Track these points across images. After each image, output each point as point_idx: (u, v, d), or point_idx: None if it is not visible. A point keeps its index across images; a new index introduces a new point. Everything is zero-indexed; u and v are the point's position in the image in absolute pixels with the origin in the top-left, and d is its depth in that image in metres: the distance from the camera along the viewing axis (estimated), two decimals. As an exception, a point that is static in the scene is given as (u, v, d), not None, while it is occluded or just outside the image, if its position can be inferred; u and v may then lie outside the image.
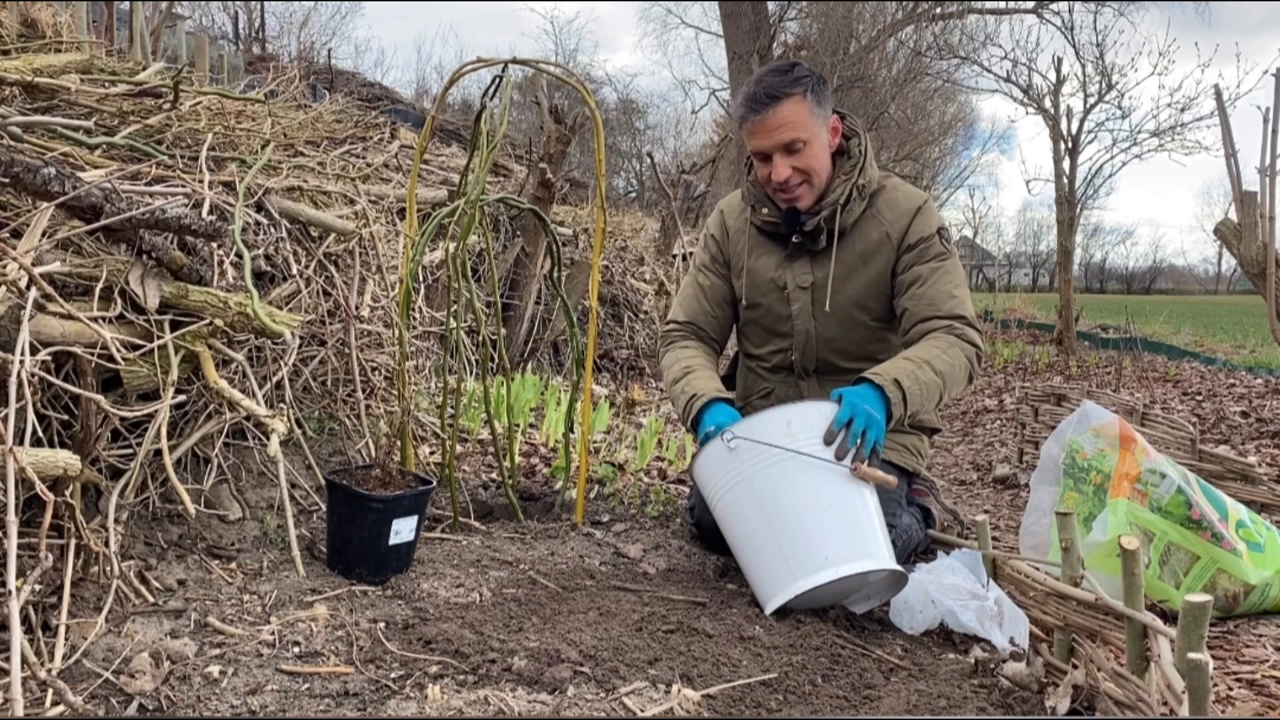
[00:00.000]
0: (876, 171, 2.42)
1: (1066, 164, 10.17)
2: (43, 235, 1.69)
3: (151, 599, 1.69)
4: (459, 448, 3.00)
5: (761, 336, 2.56)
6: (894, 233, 2.36)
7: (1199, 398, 5.97)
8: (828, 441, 1.97)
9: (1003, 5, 14.48)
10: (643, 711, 1.43)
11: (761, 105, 2.28)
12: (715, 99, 21.99)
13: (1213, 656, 1.82)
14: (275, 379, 2.14)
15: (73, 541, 1.57)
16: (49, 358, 1.56)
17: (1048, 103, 10.75)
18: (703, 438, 2.17)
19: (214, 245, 2.02)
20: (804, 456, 1.95)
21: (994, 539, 2.14)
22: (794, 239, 2.41)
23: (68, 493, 1.53)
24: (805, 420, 2.00)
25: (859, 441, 1.97)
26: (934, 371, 2.14)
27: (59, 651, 1.44)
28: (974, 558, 2.00)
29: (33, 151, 1.95)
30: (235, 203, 2.09)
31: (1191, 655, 1.16)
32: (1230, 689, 1.77)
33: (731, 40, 14.19)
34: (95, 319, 1.66)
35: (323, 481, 2.09)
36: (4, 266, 1.54)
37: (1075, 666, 1.61)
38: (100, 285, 1.73)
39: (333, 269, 2.51)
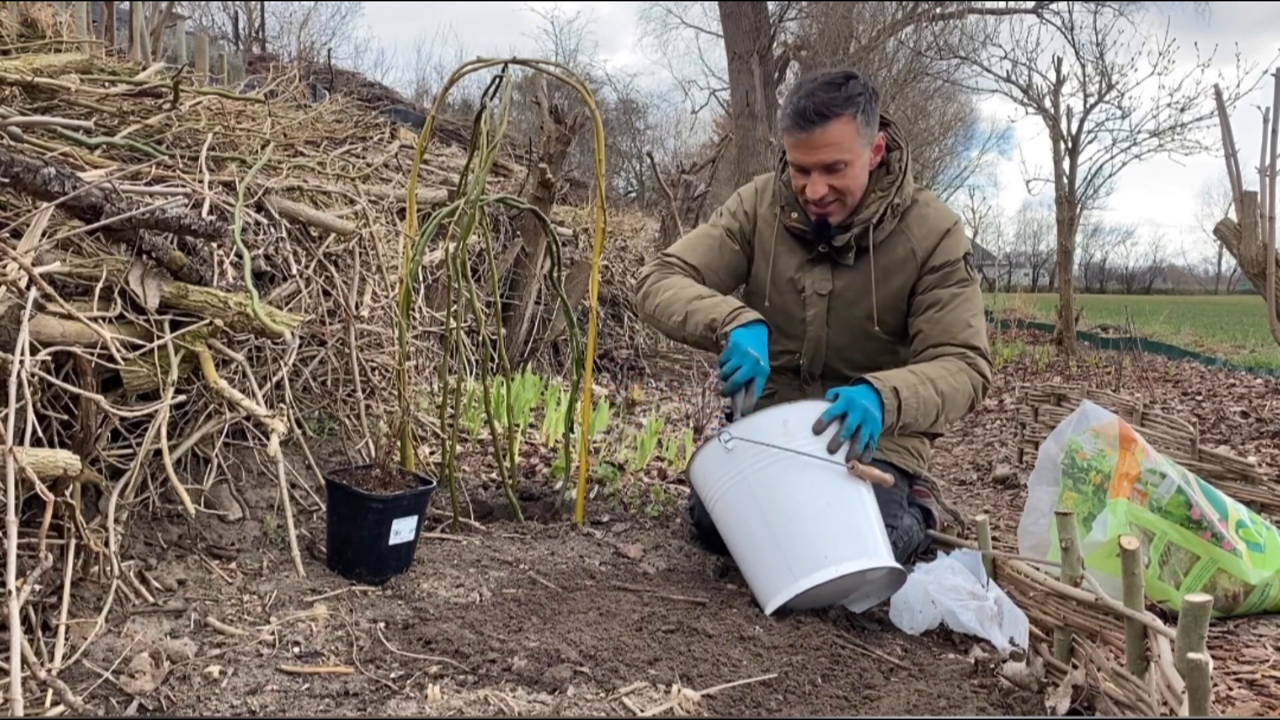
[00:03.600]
0: (912, 187, 2.37)
1: (1066, 164, 10.18)
2: (43, 235, 1.69)
3: (151, 599, 1.69)
4: (459, 448, 3.00)
5: (772, 336, 2.55)
6: (920, 251, 2.32)
7: (1199, 398, 5.97)
8: (818, 432, 1.97)
9: (1003, 5, 14.47)
10: (643, 711, 1.43)
11: (810, 123, 2.18)
12: (715, 99, 22.03)
13: (1213, 656, 1.82)
14: (275, 379, 2.14)
15: (73, 541, 1.57)
16: (49, 358, 1.55)
17: (1048, 103, 10.75)
18: (735, 359, 2.03)
19: (214, 245, 2.02)
20: (801, 456, 1.95)
21: (994, 539, 2.14)
22: (820, 248, 2.38)
23: (68, 493, 1.53)
24: (802, 420, 2.00)
25: (853, 437, 1.97)
26: (936, 390, 2.13)
27: (59, 651, 1.44)
28: (974, 558, 2.00)
29: (33, 151, 1.95)
30: (235, 203, 2.09)
31: (1191, 655, 1.16)
32: (1230, 689, 1.77)
33: (731, 40, 14.16)
34: (95, 319, 1.66)
35: (323, 481, 2.09)
36: (4, 266, 1.54)
37: (1075, 666, 1.61)
38: (100, 285, 1.73)
39: (333, 269, 2.51)
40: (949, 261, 2.31)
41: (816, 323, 2.43)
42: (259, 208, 2.33)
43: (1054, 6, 13.07)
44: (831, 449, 1.96)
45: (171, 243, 1.90)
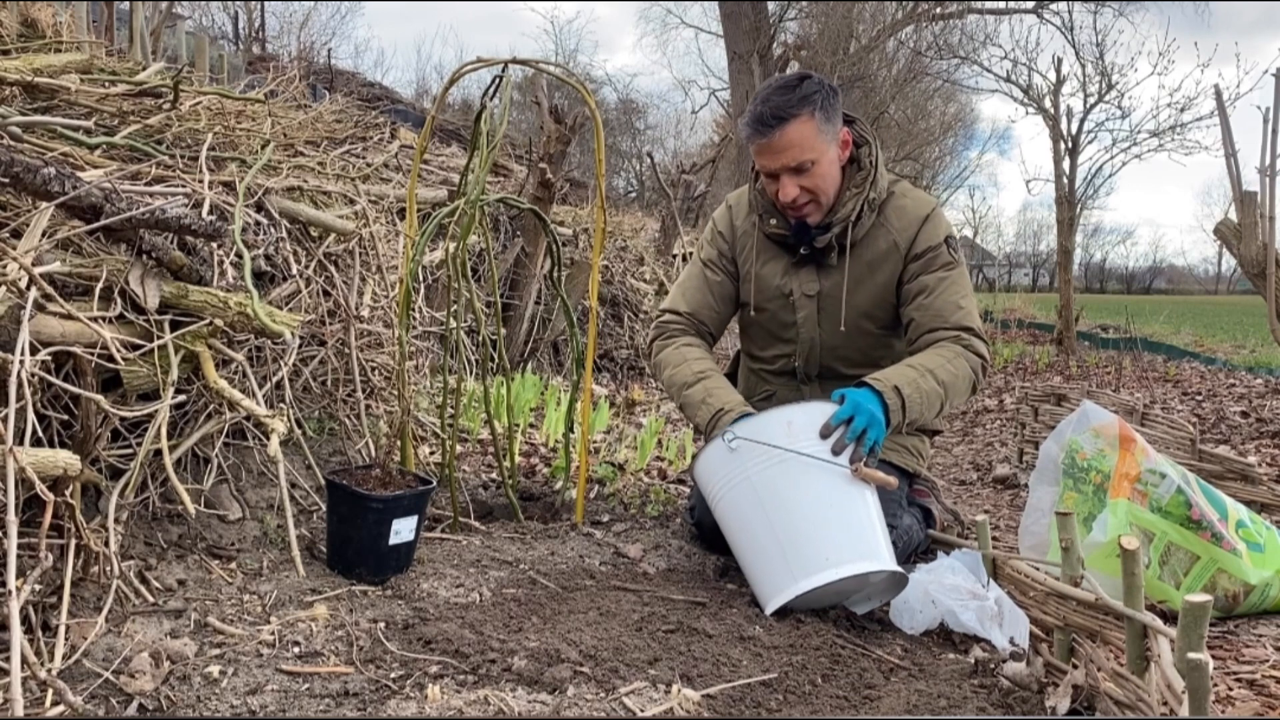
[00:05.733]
0: (886, 180, 2.38)
1: (1066, 164, 10.19)
2: (43, 235, 1.69)
3: (151, 599, 1.69)
4: (459, 448, 3.00)
5: (765, 340, 2.54)
6: (902, 241, 2.33)
7: (1199, 398, 5.98)
8: (824, 436, 1.97)
9: (1003, 5, 14.48)
10: (643, 711, 1.43)
11: (767, 127, 2.20)
12: (715, 99, 22.00)
13: (1213, 656, 1.82)
14: (275, 379, 2.14)
15: (73, 541, 1.57)
16: (49, 358, 1.55)
17: (1048, 103, 10.77)
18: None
19: (214, 245, 2.02)
20: (805, 457, 1.95)
21: (994, 539, 2.14)
22: (802, 250, 2.38)
23: (68, 493, 1.53)
24: (807, 420, 2.00)
25: (858, 440, 1.97)
26: (936, 381, 2.13)
27: (59, 651, 1.44)
28: (974, 558, 2.00)
29: (33, 151, 1.95)
30: (235, 203, 2.09)
31: (1191, 655, 1.16)
32: (1230, 689, 1.77)
33: (731, 40, 14.18)
34: (95, 319, 1.66)
35: (323, 481, 2.09)
36: (4, 266, 1.54)
37: (1075, 666, 1.61)
38: (100, 285, 1.73)
39: (333, 269, 2.51)
40: (931, 247, 2.31)
41: (808, 324, 2.43)
42: (259, 208, 2.33)
43: (1054, 6, 13.09)
44: (836, 451, 1.96)
45: (171, 243, 1.90)
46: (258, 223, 2.29)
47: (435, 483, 2.09)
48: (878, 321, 2.40)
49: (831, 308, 2.40)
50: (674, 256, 8.35)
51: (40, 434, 1.59)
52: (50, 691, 1.31)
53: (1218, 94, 5.26)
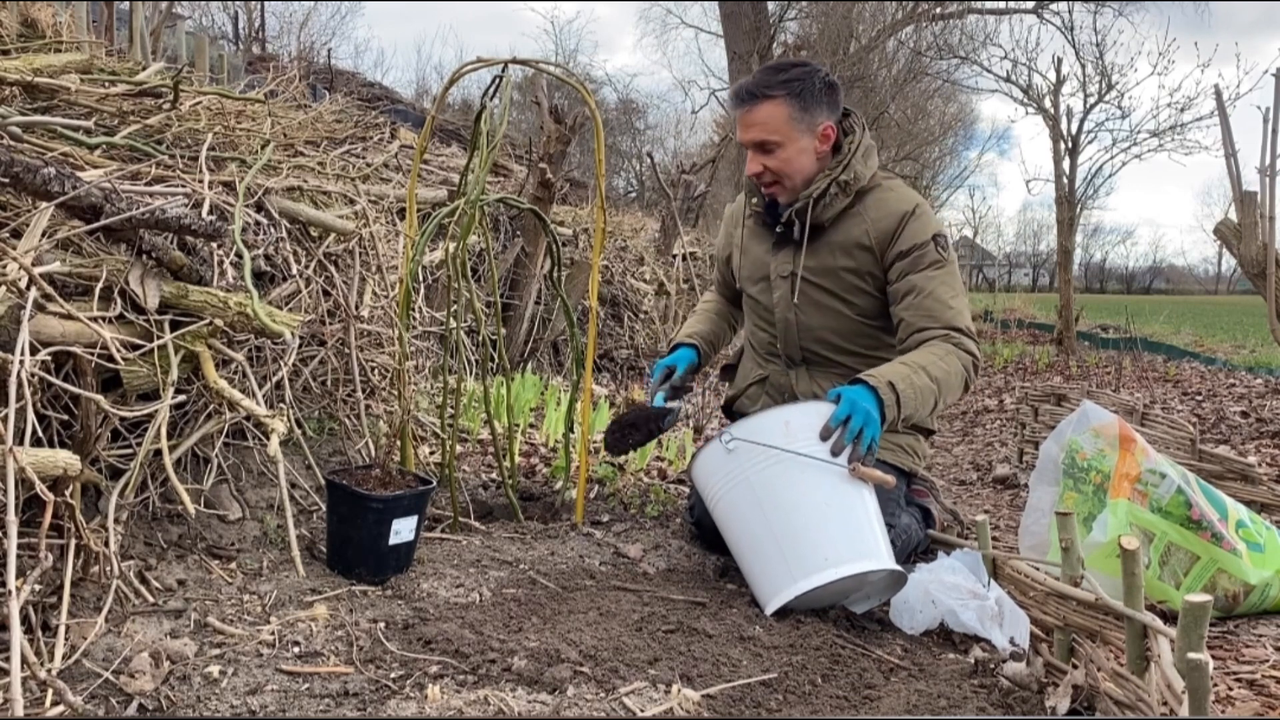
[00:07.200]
0: (868, 169, 2.38)
1: (1066, 164, 10.19)
2: (43, 235, 1.69)
3: (151, 599, 1.69)
4: (459, 448, 3.00)
5: (755, 323, 2.62)
6: (875, 233, 2.33)
7: (1199, 398, 5.98)
8: (824, 437, 1.97)
9: (1003, 5, 14.49)
10: (643, 711, 1.43)
11: (741, 101, 2.32)
12: (715, 99, 21.96)
13: (1213, 656, 1.82)
14: (275, 379, 2.14)
15: (73, 541, 1.57)
16: (49, 358, 1.55)
17: (1048, 103, 10.77)
18: (656, 373, 2.52)
19: (214, 245, 2.02)
20: (802, 457, 1.95)
21: (994, 539, 2.14)
22: (778, 229, 2.45)
23: (68, 493, 1.53)
24: (804, 421, 2.00)
25: (855, 439, 1.97)
26: (929, 377, 2.14)
27: (59, 651, 1.44)
28: (974, 558, 2.00)
29: (33, 151, 1.95)
30: (235, 203, 2.09)
31: (1191, 655, 1.16)
32: (1230, 689, 1.77)
33: (731, 40, 14.18)
34: (95, 319, 1.66)
35: (323, 481, 2.09)
36: (4, 266, 1.54)
37: (1075, 666, 1.61)
38: (100, 285, 1.73)
39: (333, 269, 2.51)
40: (917, 245, 2.30)
41: (782, 304, 2.47)
42: (259, 208, 2.33)
43: (1054, 6, 13.10)
44: (834, 452, 1.96)
45: (171, 243, 1.90)
46: (258, 223, 2.29)
47: (435, 483, 2.09)
48: (854, 308, 2.41)
49: (806, 288, 2.44)
50: (674, 256, 8.35)
51: (40, 434, 1.59)
52: (50, 691, 1.31)
53: (1218, 94, 5.26)
